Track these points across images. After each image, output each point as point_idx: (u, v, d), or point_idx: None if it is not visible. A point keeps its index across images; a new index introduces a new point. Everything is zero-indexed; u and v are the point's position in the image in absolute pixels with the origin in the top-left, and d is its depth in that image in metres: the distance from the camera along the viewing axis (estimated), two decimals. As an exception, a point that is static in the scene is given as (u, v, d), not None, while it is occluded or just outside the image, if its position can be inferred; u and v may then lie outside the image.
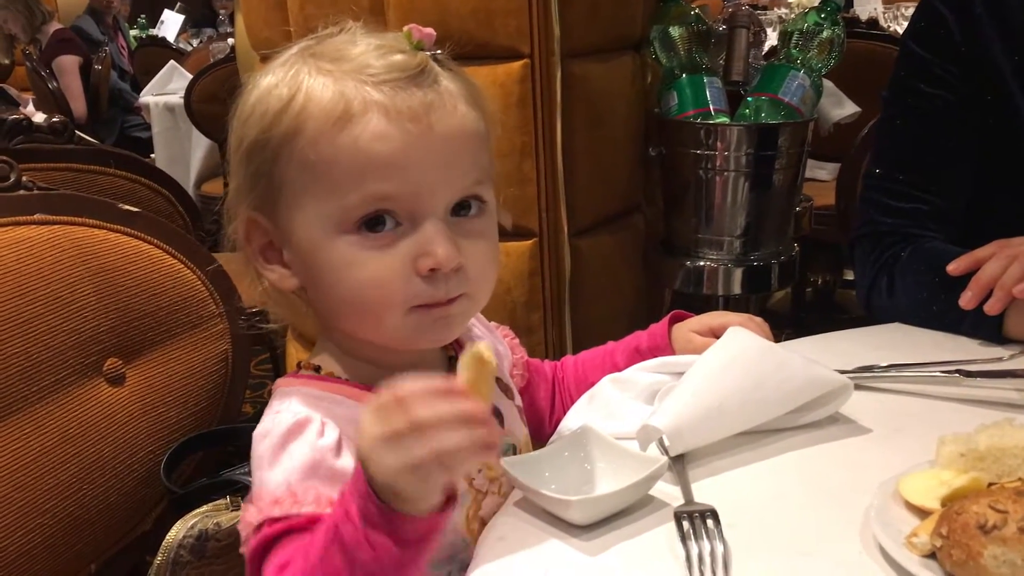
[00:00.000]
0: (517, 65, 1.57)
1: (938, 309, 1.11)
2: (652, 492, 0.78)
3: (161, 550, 0.96)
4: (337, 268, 0.76)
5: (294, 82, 0.76)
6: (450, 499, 0.66)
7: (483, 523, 0.81)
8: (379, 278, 0.75)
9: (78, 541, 1.01)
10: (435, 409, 0.61)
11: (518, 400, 0.94)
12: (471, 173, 0.78)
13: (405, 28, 0.79)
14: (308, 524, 0.71)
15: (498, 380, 0.91)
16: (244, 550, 0.74)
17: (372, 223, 0.75)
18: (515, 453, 0.87)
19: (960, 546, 0.62)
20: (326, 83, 0.75)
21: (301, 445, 0.74)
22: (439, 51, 0.80)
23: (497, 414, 0.87)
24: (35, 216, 1.04)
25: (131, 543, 1.08)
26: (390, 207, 0.75)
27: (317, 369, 0.83)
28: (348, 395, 0.80)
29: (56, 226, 1.05)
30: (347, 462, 0.73)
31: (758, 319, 0.97)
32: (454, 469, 0.62)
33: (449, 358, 0.89)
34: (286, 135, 0.75)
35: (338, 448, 0.75)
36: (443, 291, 0.76)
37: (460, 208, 0.78)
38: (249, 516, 0.73)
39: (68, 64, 5.33)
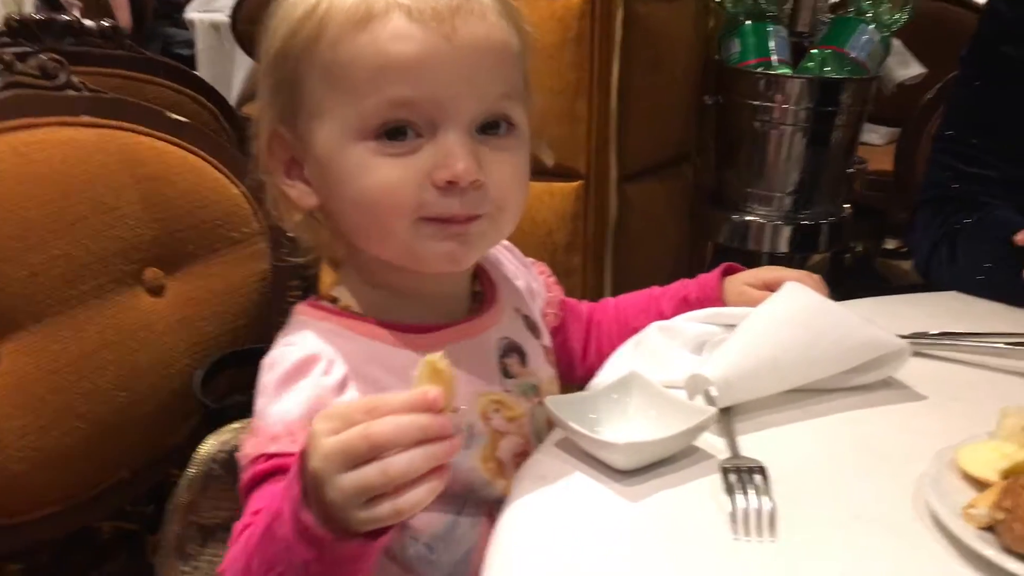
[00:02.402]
0: None
1: (1002, 280, 1.07)
2: (697, 443, 0.76)
3: (193, 463, 0.96)
4: (351, 173, 0.74)
5: None
6: (384, 529, 0.62)
7: (500, 463, 0.80)
8: (390, 184, 0.73)
9: (113, 447, 1.01)
10: (395, 430, 0.58)
11: (545, 340, 0.92)
12: (498, 86, 0.75)
13: None
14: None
15: (526, 318, 0.89)
16: (242, 474, 0.74)
17: (392, 133, 0.73)
18: (536, 394, 0.85)
19: (1024, 521, 0.59)
20: None
21: (304, 383, 0.73)
22: None
23: (520, 352, 0.85)
24: (82, 118, 1.02)
25: (163, 454, 1.08)
26: (410, 116, 0.72)
27: (334, 300, 0.82)
28: (361, 332, 0.78)
29: (104, 130, 1.04)
30: (350, 398, 0.73)
31: (816, 276, 0.94)
32: (407, 502, 0.59)
33: (474, 293, 0.87)
34: (308, 40, 0.73)
35: (341, 387, 0.74)
36: (458, 206, 0.73)
37: (488, 128, 0.75)
38: (247, 448, 0.73)
39: (115, -26, 5.28)
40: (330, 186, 0.76)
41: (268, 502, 0.68)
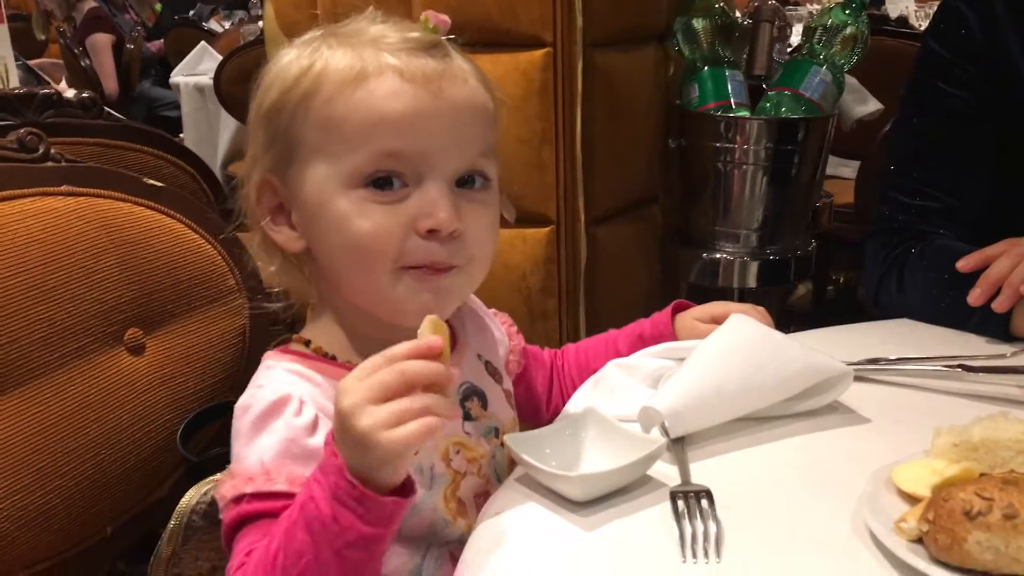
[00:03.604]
0: (539, 53, 1.58)
1: (946, 306, 1.11)
2: (651, 472, 0.80)
3: (175, 515, 0.99)
4: (340, 219, 0.79)
5: (315, 53, 0.81)
6: (411, 486, 0.70)
7: (461, 503, 0.84)
8: (378, 230, 0.78)
9: (95, 504, 1.04)
10: (424, 367, 0.68)
11: (507, 384, 0.96)
12: (477, 143, 0.81)
13: (423, 15, 0.83)
14: (283, 511, 0.74)
15: (487, 364, 0.94)
16: (221, 516, 0.78)
17: (380, 182, 0.78)
18: (496, 435, 0.89)
19: (945, 531, 0.63)
20: (345, 51, 0.79)
21: (277, 424, 0.77)
22: (453, 36, 0.83)
23: (482, 396, 0.90)
24: (62, 188, 1.07)
25: (147, 508, 1.11)
26: (398, 168, 0.78)
27: (307, 343, 0.86)
28: (328, 373, 0.82)
29: (82, 198, 1.08)
30: (320, 441, 0.76)
31: (760, 308, 0.98)
32: (428, 429, 0.67)
33: None
34: (304, 96, 0.79)
35: (312, 427, 0.77)
36: (439, 254, 0.79)
37: (465, 182, 0.81)
38: (224, 490, 0.77)
39: (101, 42, 5.40)
40: (318, 231, 0.81)
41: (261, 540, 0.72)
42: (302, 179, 0.81)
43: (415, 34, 0.80)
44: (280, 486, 0.75)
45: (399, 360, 0.68)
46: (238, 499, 0.76)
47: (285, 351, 0.86)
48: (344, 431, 0.68)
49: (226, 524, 0.77)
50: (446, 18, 0.83)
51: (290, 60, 0.82)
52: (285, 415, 0.77)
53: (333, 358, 0.85)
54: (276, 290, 0.94)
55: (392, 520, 0.70)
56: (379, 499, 0.68)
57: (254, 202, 0.85)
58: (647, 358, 0.95)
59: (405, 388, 0.67)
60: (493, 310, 1.03)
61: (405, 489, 0.70)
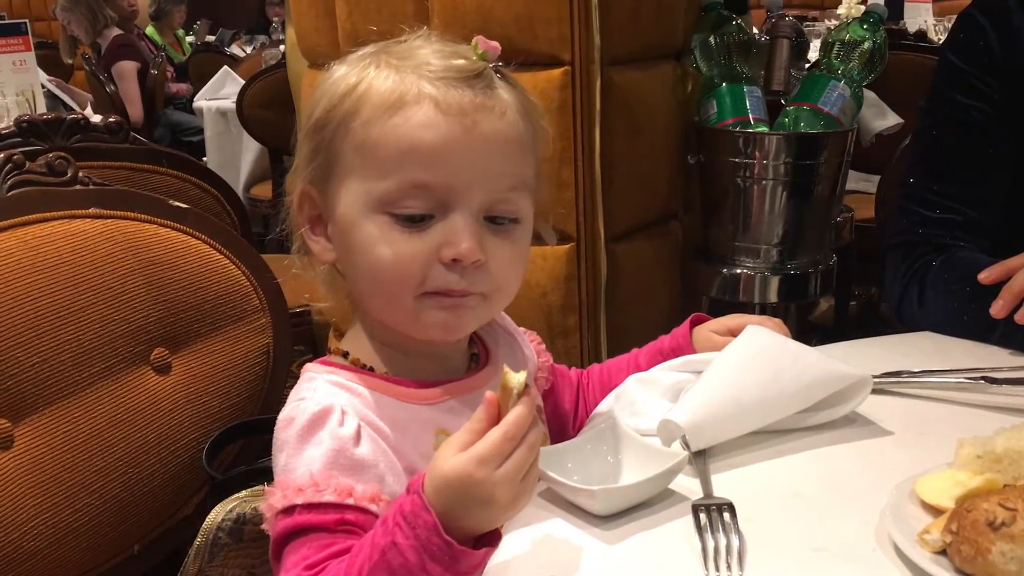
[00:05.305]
0: (558, 72, 1.59)
1: (969, 318, 1.11)
2: (672, 486, 0.80)
3: (200, 532, 1.00)
4: (366, 243, 0.80)
5: (362, 72, 0.82)
6: (498, 532, 0.71)
7: None
8: (401, 258, 0.79)
9: (123, 521, 1.05)
10: (540, 435, 0.72)
11: (537, 400, 0.97)
12: (508, 178, 0.82)
13: (473, 39, 0.84)
14: (335, 525, 0.75)
15: None
16: (267, 528, 0.79)
17: (405, 219, 0.79)
18: None
19: (969, 542, 0.63)
20: (388, 74, 0.81)
21: (322, 435, 0.78)
22: (501, 63, 0.84)
23: None
24: (90, 210, 1.09)
25: (173, 526, 1.13)
26: (425, 197, 0.79)
27: (345, 355, 0.87)
28: (367, 384, 0.84)
29: (109, 220, 1.10)
30: (365, 451, 0.77)
31: (776, 319, 0.99)
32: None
33: (472, 355, 0.93)
34: (346, 115, 0.81)
35: (357, 438, 0.78)
36: (459, 282, 0.80)
37: (495, 220, 0.82)
38: (274, 500, 0.78)
39: (128, 70, 5.45)
40: (347, 249, 0.83)
41: (320, 557, 0.73)
42: (337, 196, 0.83)
43: (460, 62, 0.81)
44: (329, 497, 0.75)
45: (521, 430, 0.70)
46: (288, 510, 0.76)
47: (325, 363, 0.87)
48: (473, 494, 0.68)
49: (276, 535, 0.78)
50: (496, 45, 0.84)
51: (340, 76, 0.84)
52: (329, 426, 0.78)
53: (371, 370, 0.86)
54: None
55: (480, 566, 0.71)
56: (473, 553, 0.69)
57: (295, 210, 0.87)
58: (666, 372, 0.96)
59: (514, 448, 0.70)
60: (522, 328, 1.04)
61: (492, 535, 0.71)
